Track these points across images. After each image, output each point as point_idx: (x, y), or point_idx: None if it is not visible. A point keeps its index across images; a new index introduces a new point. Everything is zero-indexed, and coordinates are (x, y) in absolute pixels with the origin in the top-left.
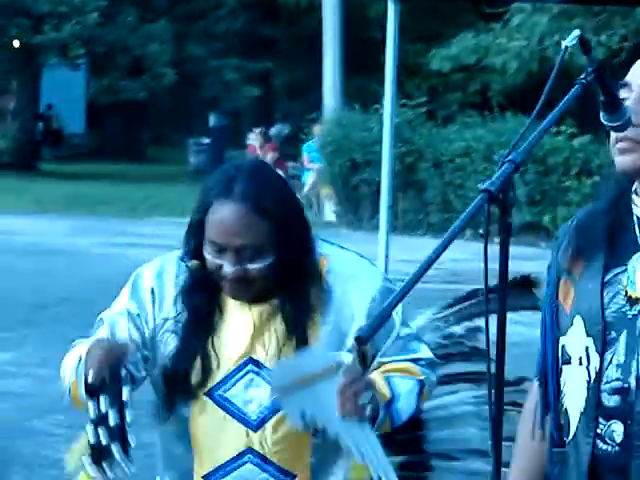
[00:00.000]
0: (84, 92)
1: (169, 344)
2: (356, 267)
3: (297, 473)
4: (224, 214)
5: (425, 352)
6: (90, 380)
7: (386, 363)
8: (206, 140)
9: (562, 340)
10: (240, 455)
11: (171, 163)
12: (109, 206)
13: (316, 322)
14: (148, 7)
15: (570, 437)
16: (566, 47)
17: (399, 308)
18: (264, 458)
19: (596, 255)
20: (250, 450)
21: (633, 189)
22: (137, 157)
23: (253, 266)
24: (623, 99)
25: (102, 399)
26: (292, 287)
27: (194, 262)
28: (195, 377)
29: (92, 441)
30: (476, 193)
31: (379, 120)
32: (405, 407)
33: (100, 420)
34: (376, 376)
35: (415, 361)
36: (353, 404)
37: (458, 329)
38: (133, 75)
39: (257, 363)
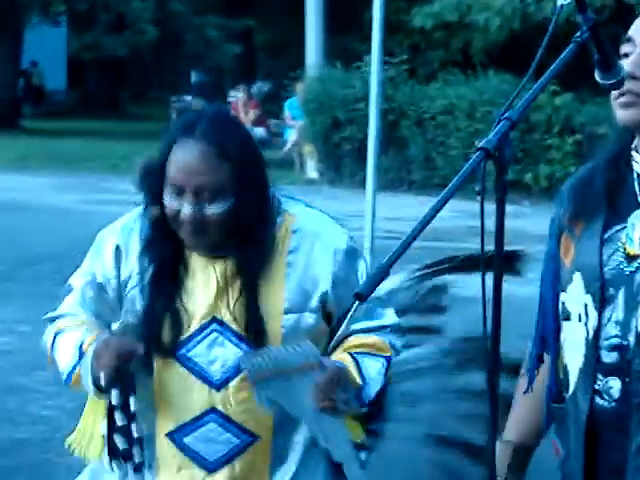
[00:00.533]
0: (65, 49)
1: (135, 301)
2: (322, 226)
3: (260, 434)
4: (186, 153)
5: (390, 318)
6: (102, 383)
7: (353, 332)
8: (188, 97)
9: (562, 296)
10: (203, 415)
11: (153, 120)
12: (91, 163)
13: (279, 279)
14: None
15: (569, 393)
16: (562, 5)
17: (364, 271)
18: (227, 418)
19: (596, 213)
20: (213, 410)
21: (633, 146)
22: (118, 114)
23: (211, 209)
24: (625, 54)
25: (114, 394)
26: (251, 239)
27: (153, 209)
28: (166, 334)
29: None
30: (458, 151)
31: (361, 78)
32: (374, 388)
33: (110, 412)
34: (346, 360)
35: (381, 329)
36: (330, 401)
37: (425, 286)
38: (114, 32)
39: (221, 322)
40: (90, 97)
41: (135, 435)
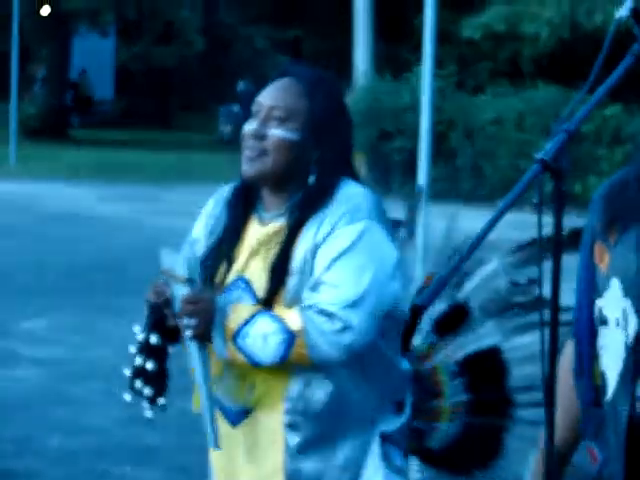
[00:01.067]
0: (113, 59)
1: (202, 246)
2: (354, 197)
3: (272, 390)
4: (274, 83)
5: (331, 301)
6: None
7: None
8: (236, 108)
9: (598, 302)
10: (223, 369)
11: (200, 130)
12: (139, 173)
13: (308, 247)
14: None
15: (608, 399)
16: (620, 17)
17: (328, 256)
18: (241, 374)
19: (632, 219)
20: (228, 363)
21: None
22: (166, 124)
23: (275, 130)
24: None
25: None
26: (302, 203)
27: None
28: (217, 278)
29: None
30: (507, 161)
31: (409, 88)
32: (256, 348)
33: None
34: (240, 309)
35: (309, 308)
36: (181, 321)
37: (521, 278)
38: (163, 42)
39: (247, 282)
40: (138, 107)
41: (149, 367)
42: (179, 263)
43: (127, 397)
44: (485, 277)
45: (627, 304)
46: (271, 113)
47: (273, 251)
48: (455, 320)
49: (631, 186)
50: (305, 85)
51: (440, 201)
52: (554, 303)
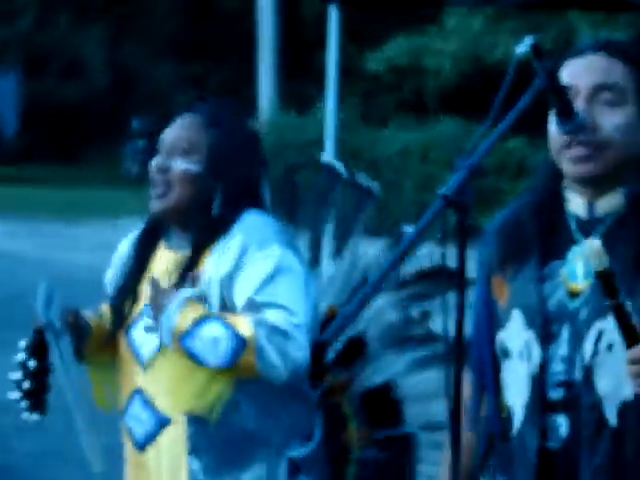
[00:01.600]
0: (17, 94)
1: (112, 280)
2: (258, 226)
3: (176, 416)
4: (177, 119)
5: (278, 319)
6: None
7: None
8: (141, 143)
9: (500, 335)
10: (134, 393)
11: (105, 166)
12: (43, 209)
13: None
14: (83, 9)
15: (515, 432)
16: (519, 53)
17: (254, 281)
18: (148, 398)
19: (529, 251)
20: (139, 389)
21: (564, 185)
22: (71, 160)
23: (177, 163)
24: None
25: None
26: (204, 234)
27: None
28: (125, 309)
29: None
30: (412, 194)
31: (315, 123)
32: (205, 351)
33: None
34: (189, 311)
35: (259, 320)
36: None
37: (414, 312)
38: (68, 78)
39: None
40: (43, 143)
41: (25, 387)
42: (40, 304)
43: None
44: (377, 310)
45: (529, 335)
46: (174, 146)
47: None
48: (354, 352)
49: (526, 223)
50: (206, 118)
51: None
52: (459, 338)
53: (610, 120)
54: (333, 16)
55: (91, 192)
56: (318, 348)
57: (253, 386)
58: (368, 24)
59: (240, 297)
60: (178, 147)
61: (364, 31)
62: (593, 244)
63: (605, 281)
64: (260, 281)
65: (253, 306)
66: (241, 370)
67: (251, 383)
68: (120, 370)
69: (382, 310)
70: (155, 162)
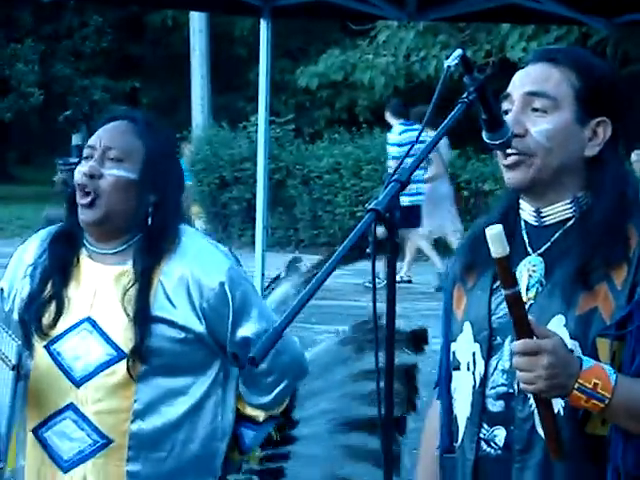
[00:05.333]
0: None
1: (24, 289)
2: (202, 243)
3: (114, 438)
4: (104, 125)
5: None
6: None
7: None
8: (73, 160)
9: (453, 346)
10: (62, 410)
11: (38, 183)
12: None
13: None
14: (13, 27)
15: (458, 443)
16: (449, 67)
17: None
18: (83, 416)
19: (487, 264)
20: (72, 406)
21: (521, 195)
22: (3, 178)
23: (111, 171)
24: (505, 111)
25: None
26: (146, 247)
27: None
28: (45, 320)
29: None
30: (345, 209)
31: (247, 137)
32: (251, 442)
33: None
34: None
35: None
36: None
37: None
38: None
39: (94, 323)
40: None
41: None
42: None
43: None
44: (277, 300)
45: (476, 348)
46: (107, 154)
47: (127, 296)
48: None
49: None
50: (140, 127)
51: (279, 250)
52: (389, 355)
53: (540, 127)
54: (264, 31)
55: (24, 210)
56: (249, 364)
57: (196, 419)
58: (302, 40)
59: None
60: (111, 154)
61: (298, 47)
62: (493, 229)
63: (502, 268)
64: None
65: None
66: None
67: (197, 417)
68: (34, 387)
69: (282, 300)
70: (84, 168)
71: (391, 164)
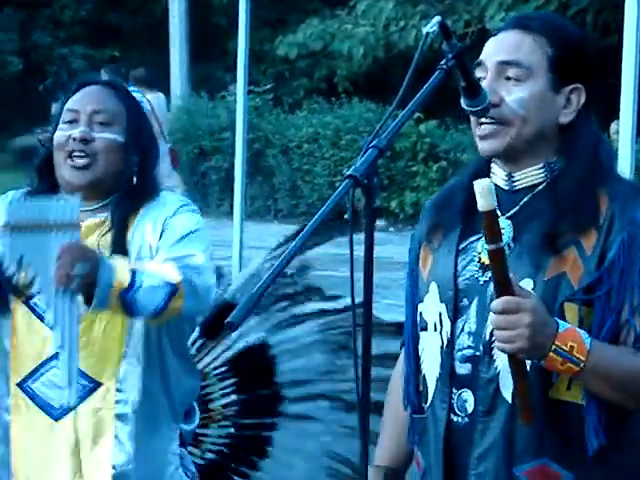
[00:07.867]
0: None
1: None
2: (179, 198)
3: (102, 381)
4: (83, 90)
5: (197, 257)
6: None
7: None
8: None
9: (420, 307)
10: (49, 359)
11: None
12: None
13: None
14: None
15: (428, 404)
16: (427, 33)
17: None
18: None
19: (454, 225)
20: (58, 354)
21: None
22: None
23: (102, 134)
24: (478, 78)
25: None
26: (126, 199)
27: (42, 136)
28: (23, 279)
29: None
30: (324, 179)
31: (226, 107)
32: (146, 300)
33: None
34: (120, 263)
35: (178, 259)
36: (64, 270)
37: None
38: None
39: None
40: None
41: None
42: (32, 208)
43: None
44: (250, 274)
45: (442, 308)
46: (94, 118)
47: (103, 240)
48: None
49: (457, 195)
50: (119, 91)
51: (257, 220)
52: (367, 318)
53: (515, 96)
54: (242, 0)
55: (1, 177)
56: (227, 329)
57: (170, 354)
58: (281, 9)
59: (163, 251)
60: (98, 118)
61: (277, 16)
62: (481, 183)
63: (489, 222)
64: (181, 237)
65: (176, 257)
66: (169, 313)
67: (169, 352)
68: (17, 340)
69: (254, 273)
70: (75, 132)
71: None
